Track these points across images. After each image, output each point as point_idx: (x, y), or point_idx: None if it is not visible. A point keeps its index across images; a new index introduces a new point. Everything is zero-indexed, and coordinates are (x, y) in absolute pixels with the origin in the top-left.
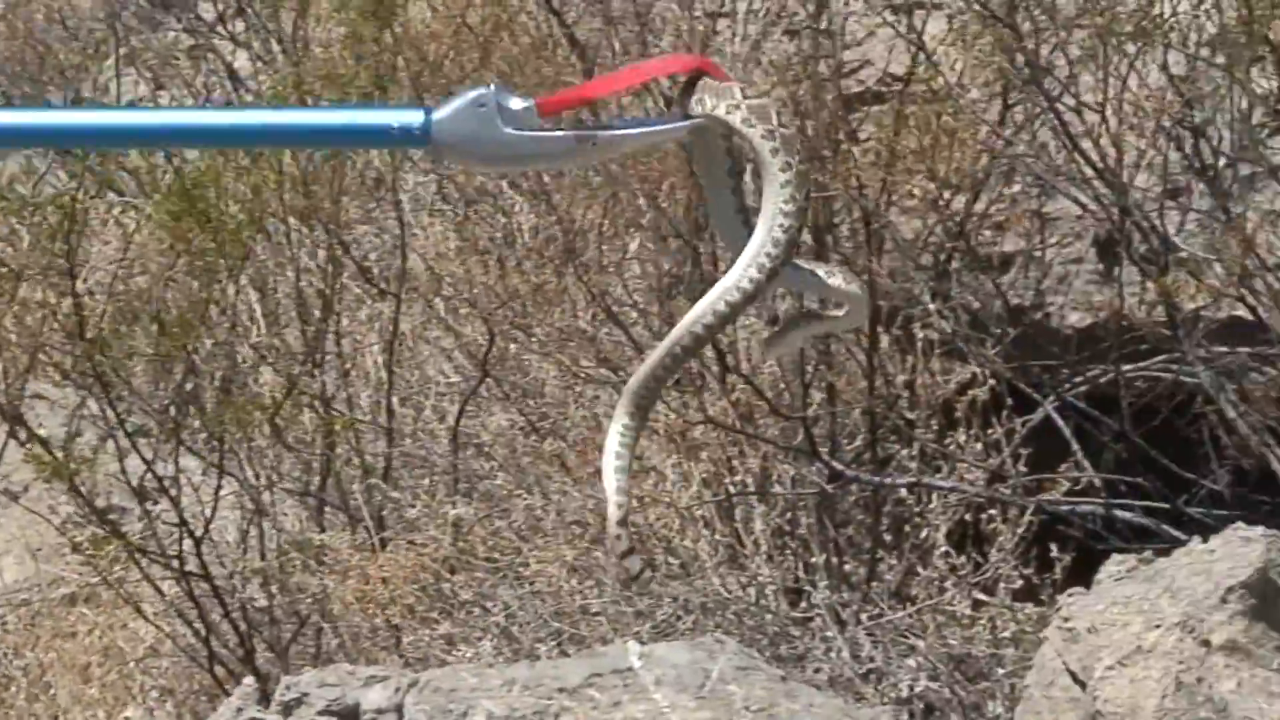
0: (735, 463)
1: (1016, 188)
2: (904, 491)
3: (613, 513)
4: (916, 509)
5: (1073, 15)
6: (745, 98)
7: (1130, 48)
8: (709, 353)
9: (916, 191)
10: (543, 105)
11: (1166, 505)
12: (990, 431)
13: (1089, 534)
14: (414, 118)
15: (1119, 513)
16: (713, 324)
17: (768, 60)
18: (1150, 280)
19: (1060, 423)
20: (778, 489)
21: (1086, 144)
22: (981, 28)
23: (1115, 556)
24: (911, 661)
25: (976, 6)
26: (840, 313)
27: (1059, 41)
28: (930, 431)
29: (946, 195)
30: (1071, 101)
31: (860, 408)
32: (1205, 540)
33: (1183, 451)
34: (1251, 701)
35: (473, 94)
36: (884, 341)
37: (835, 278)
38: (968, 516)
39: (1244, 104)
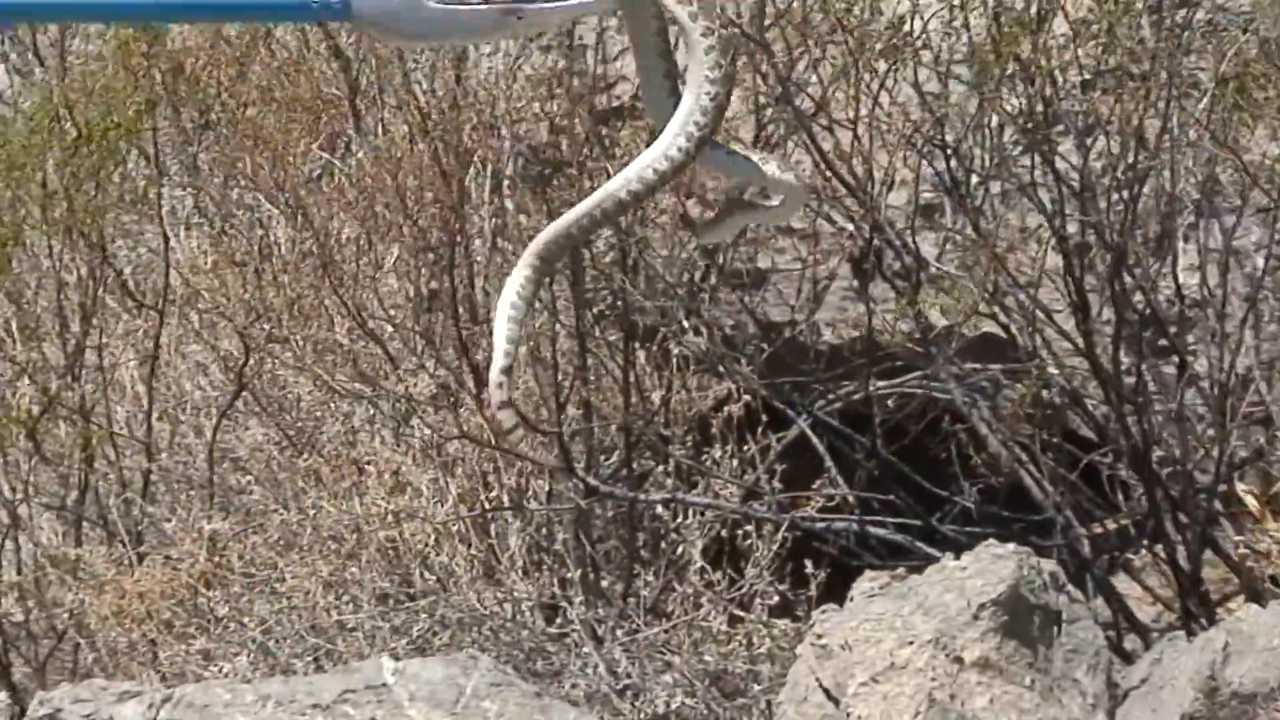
0: (491, 478)
1: None
2: (660, 507)
3: (498, 359)
4: (673, 525)
5: (825, 32)
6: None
7: (881, 65)
8: (465, 366)
9: (671, 209)
10: None
11: (919, 522)
12: (746, 448)
13: (843, 550)
14: None
15: (872, 529)
16: (639, 191)
17: (524, 76)
18: (902, 297)
19: (814, 440)
20: (534, 505)
21: (840, 161)
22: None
23: (868, 573)
24: (668, 678)
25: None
26: (775, 202)
27: (813, 59)
28: (686, 448)
29: (702, 213)
30: (824, 119)
31: (617, 424)
32: (958, 557)
33: (936, 468)
34: (1004, 718)
35: None
36: (640, 358)
37: (770, 165)
38: (724, 532)
39: (994, 122)
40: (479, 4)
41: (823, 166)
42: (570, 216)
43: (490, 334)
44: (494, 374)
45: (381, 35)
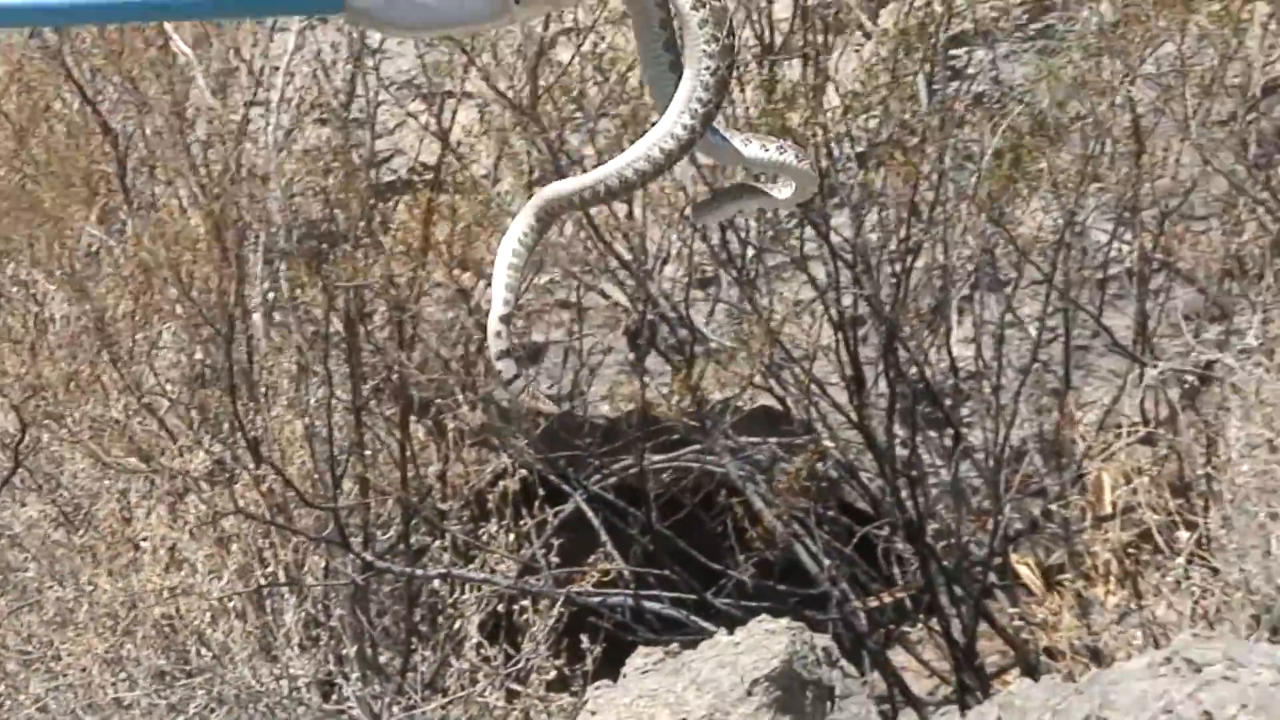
0: (268, 554)
1: (548, 278)
2: (437, 583)
3: (497, 307)
4: (450, 600)
5: (599, 104)
6: None
7: None
8: (241, 441)
9: (446, 282)
10: None
11: (695, 596)
12: (522, 523)
13: (619, 625)
14: None
15: (648, 604)
16: (646, 170)
17: (300, 149)
18: (677, 371)
19: (590, 514)
20: (310, 580)
21: (614, 235)
22: (508, 119)
23: (641, 649)
24: None
25: (502, 97)
26: (784, 190)
27: (587, 130)
28: (463, 522)
29: (476, 286)
30: None
31: (394, 498)
32: (731, 632)
33: (712, 542)
34: None
35: None
36: (417, 432)
37: (789, 154)
38: (501, 607)
39: None
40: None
41: (596, 241)
42: (577, 182)
43: (488, 310)
44: (493, 322)
45: (377, 27)
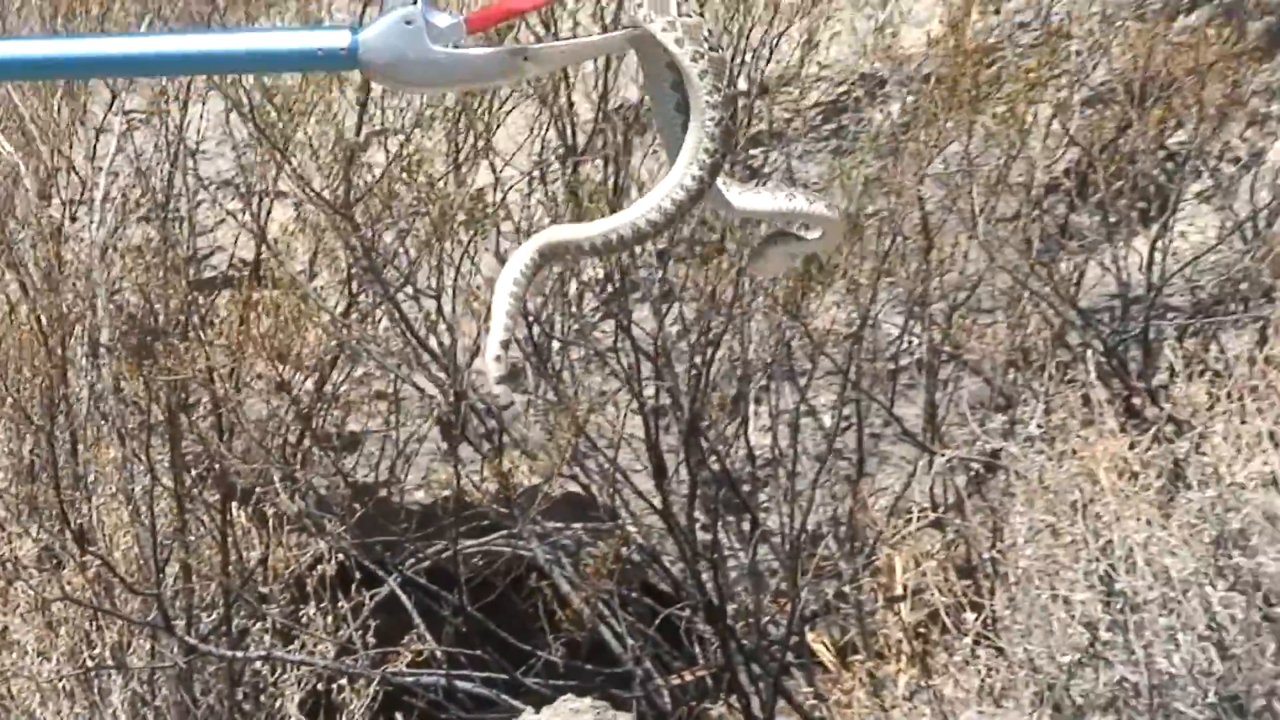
0: (95, 636)
1: (363, 370)
2: (259, 664)
3: (496, 333)
4: (271, 680)
5: (410, 204)
6: (681, 14)
7: (464, 235)
8: (67, 531)
9: (265, 374)
10: (471, 21)
11: (505, 676)
12: (340, 605)
13: (432, 704)
14: (340, 39)
15: (460, 683)
16: (658, 221)
17: (123, 246)
18: (487, 459)
19: (404, 597)
20: (136, 662)
21: (426, 330)
22: (323, 217)
23: None
24: None
25: (316, 197)
26: (816, 234)
27: (401, 230)
28: (283, 605)
29: (295, 378)
30: (410, 289)
31: (216, 582)
32: (538, 711)
33: (522, 624)
34: None
35: (399, 11)
36: (239, 518)
37: (798, 199)
38: (320, 687)
39: (574, 289)
40: (484, 47)
41: (409, 335)
42: (586, 230)
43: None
44: (491, 348)
45: (389, 82)
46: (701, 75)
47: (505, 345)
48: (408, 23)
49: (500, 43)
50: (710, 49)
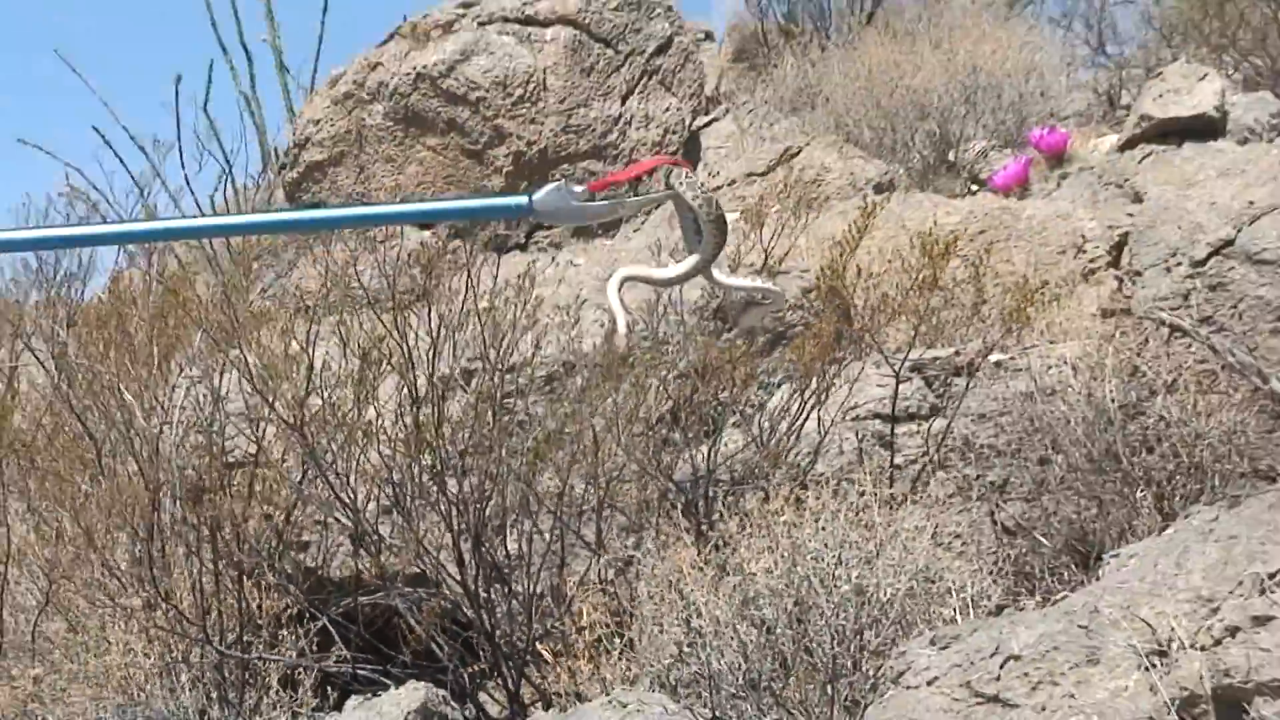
0: (174, 646)
1: (310, 509)
2: (257, 660)
3: (620, 319)
4: (263, 670)
5: (334, 425)
6: (688, 177)
7: (361, 444)
8: (157, 591)
9: (261, 512)
10: (591, 187)
11: (382, 668)
12: (297, 630)
13: (344, 685)
14: (522, 200)
15: (360, 670)
16: (687, 274)
17: (188, 445)
18: (373, 558)
19: (331, 628)
20: (194, 659)
21: (344, 491)
22: None
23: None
24: None
25: (285, 423)
26: (769, 303)
27: (332, 439)
28: (270, 630)
29: (275, 513)
30: (337, 471)
31: (236, 618)
32: (399, 688)
33: (391, 641)
34: None
35: (553, 184)
36: (248, 585)
37: (765, 283)
38: (288, 674)
39: (421, 465)
40: (599, 201)
41: (334, 494)
42: (651, 270)
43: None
44: (621, 326)
45: (549, 220)
46: (700, 205)
47: (629, 325)
48: (558, 189)
49: (607, 198)
50: (705, 193)
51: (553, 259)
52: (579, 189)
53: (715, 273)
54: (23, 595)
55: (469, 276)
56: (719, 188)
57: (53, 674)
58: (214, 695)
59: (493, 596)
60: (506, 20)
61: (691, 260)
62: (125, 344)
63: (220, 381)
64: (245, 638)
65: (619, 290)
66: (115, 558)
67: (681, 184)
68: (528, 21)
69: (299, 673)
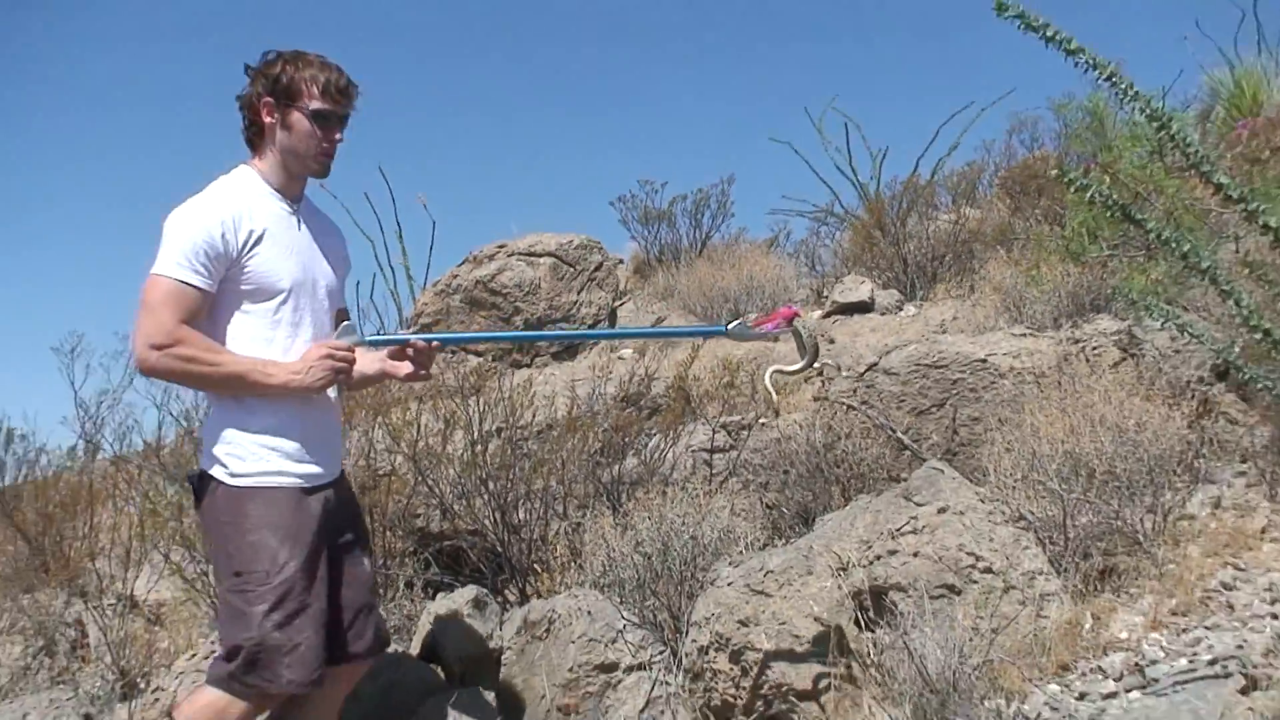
0: None
1: None
2: None
3: (771, 392)
4: None
5: None
6: (802, 322)
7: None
8: None
9: None
10: (755, 322)
11: (450, 578)
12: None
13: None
14: (721, 327)
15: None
16: (799, 370)
17: None
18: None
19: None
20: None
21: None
22: None
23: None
24: None
25: None
26: (796, 367)
27: None
28: None
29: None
30: None
31: None
32: (465, 588)
33: (459, 564)
34: None
35: (738, 320)
36: None
37: (801, 364)
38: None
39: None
40: (761, 331)
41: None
42: (784, 365)
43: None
44: (772, 394)
45: (737, 339)
46: (809, 340)
47: (772, 392)
48: (740, 322)
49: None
50: (811, 334)
51: (540, 372)
52: (750, 321)
53: (796, 368)
54: None
55: (499, 380)
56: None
57: None
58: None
59: (510, 541)
60: (520, 254)
61: (802, 363)
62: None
63: (373, 433)
64: (386, 562)
65: (769, 377)
66: None
67: (801, 326)
68: (531, 254)
69: (414, 580)
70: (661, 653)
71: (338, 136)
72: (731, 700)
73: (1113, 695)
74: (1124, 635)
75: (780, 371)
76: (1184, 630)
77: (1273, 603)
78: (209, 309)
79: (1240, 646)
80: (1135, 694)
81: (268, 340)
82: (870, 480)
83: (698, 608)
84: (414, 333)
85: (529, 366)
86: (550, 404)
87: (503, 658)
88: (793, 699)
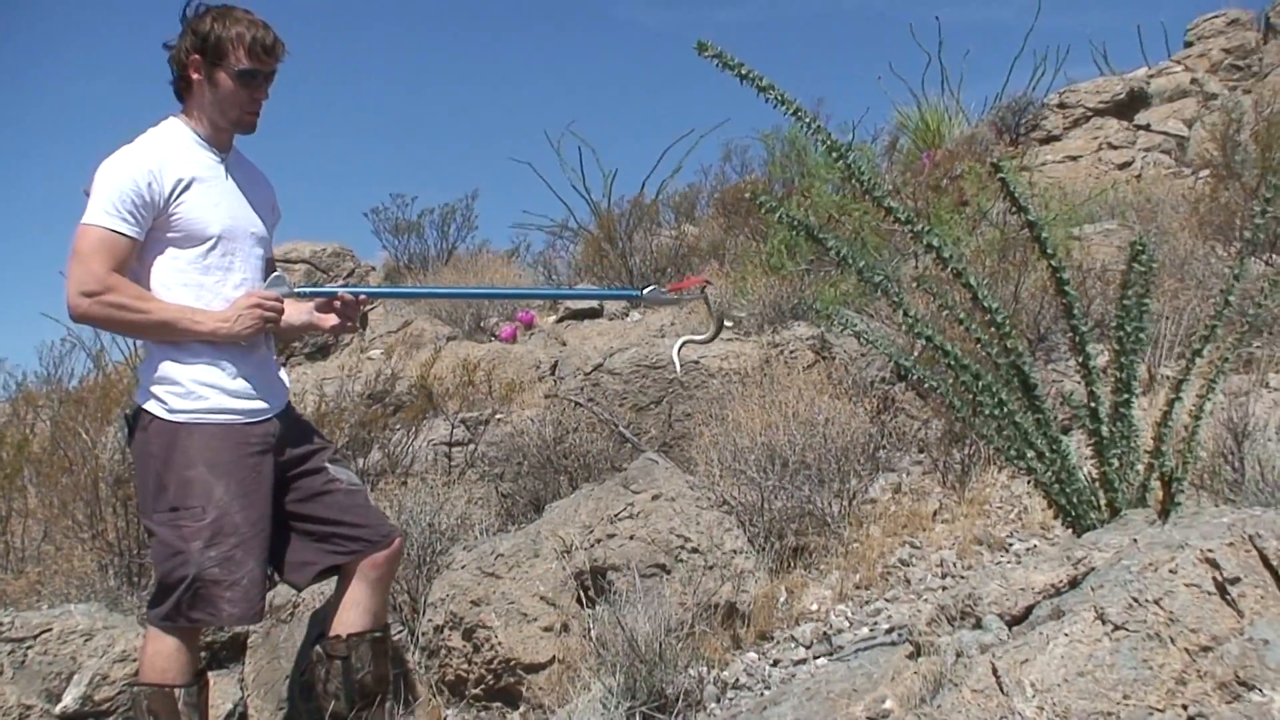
0: None
1: None
2: None
3: (676, 363)
4: None
5: None
6: (711, 289)
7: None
8: None
9: None
10: (671, 287)
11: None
12: None
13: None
14: (634, 290)
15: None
16: (707, 339)
17: None
18: None
19: None
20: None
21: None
22: None
23: None
24: None
25: None
26: (704, 336)
27: None
28: None
29: None
30: None
31: None
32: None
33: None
34: None
35: (651, 286)
36: None
37: (708, 334)
38: None
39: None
40: (673, 294)
41: None
42: (694, 336)
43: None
44: (678, 364)
45: (650, 304)
46: (717, 310)
47: (680, 368)
48: (656, 288)
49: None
50: (719, 305)
51: (291, 370)
52: (666, 288)
53: (706, 335)
54: None
55: None
56: (392, 332)
57: None
58: None
59: None
60: (276, 260)
61: (709, 333)
62: None
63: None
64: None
65: (678, 349)
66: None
67: (709, 295)
68: (285, 260)
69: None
70: (400, 633)
71: (262, 94)
72: (464, 675)
73: (802, 661)
74: (814, 607)
75: (691, 341)
76: (866, 602)
77: (943, 577)
78: (140, 255)
79: (913, 616)
80: (822, 660)
81: (198, 286)
82: (596, 470)
83: (434, 590)
84: (342, 286)
85: (285, 367)
86: (300, 401)
87: (249, 641)
88: (520, 672)
